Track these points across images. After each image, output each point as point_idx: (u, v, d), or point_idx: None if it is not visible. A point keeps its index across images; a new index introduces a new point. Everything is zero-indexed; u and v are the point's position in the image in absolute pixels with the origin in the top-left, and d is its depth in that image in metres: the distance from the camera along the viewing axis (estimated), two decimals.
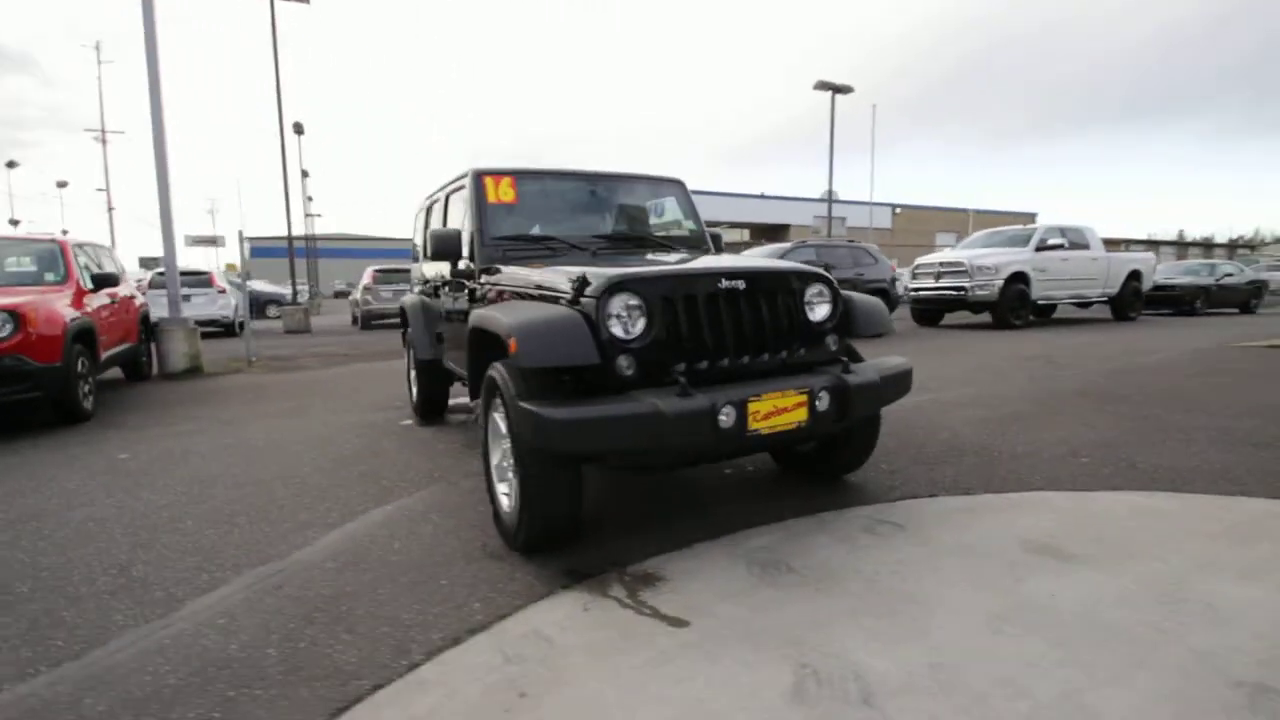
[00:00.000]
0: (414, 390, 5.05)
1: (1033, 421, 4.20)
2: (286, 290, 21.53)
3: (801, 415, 2.34)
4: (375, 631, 1.98)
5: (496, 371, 2.42)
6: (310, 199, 36.60)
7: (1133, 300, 12.81)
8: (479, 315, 2.68)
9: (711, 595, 2.11)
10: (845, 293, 2.79)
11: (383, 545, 2.61)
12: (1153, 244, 45.42)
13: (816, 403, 2.37)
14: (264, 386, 6.91)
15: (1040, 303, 11.75)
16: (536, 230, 3.47)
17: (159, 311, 7.98)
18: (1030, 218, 37.81)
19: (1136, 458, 3.38)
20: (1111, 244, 14.87)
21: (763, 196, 35.35)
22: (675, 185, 4.01)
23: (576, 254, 3.30)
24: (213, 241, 18.81)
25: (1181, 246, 53.54)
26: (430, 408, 4.84)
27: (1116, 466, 3.25)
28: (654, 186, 3.93)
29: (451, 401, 4.98)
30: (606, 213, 3.76)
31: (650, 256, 3.19)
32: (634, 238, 3.66)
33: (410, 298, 4.91)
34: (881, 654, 1.75)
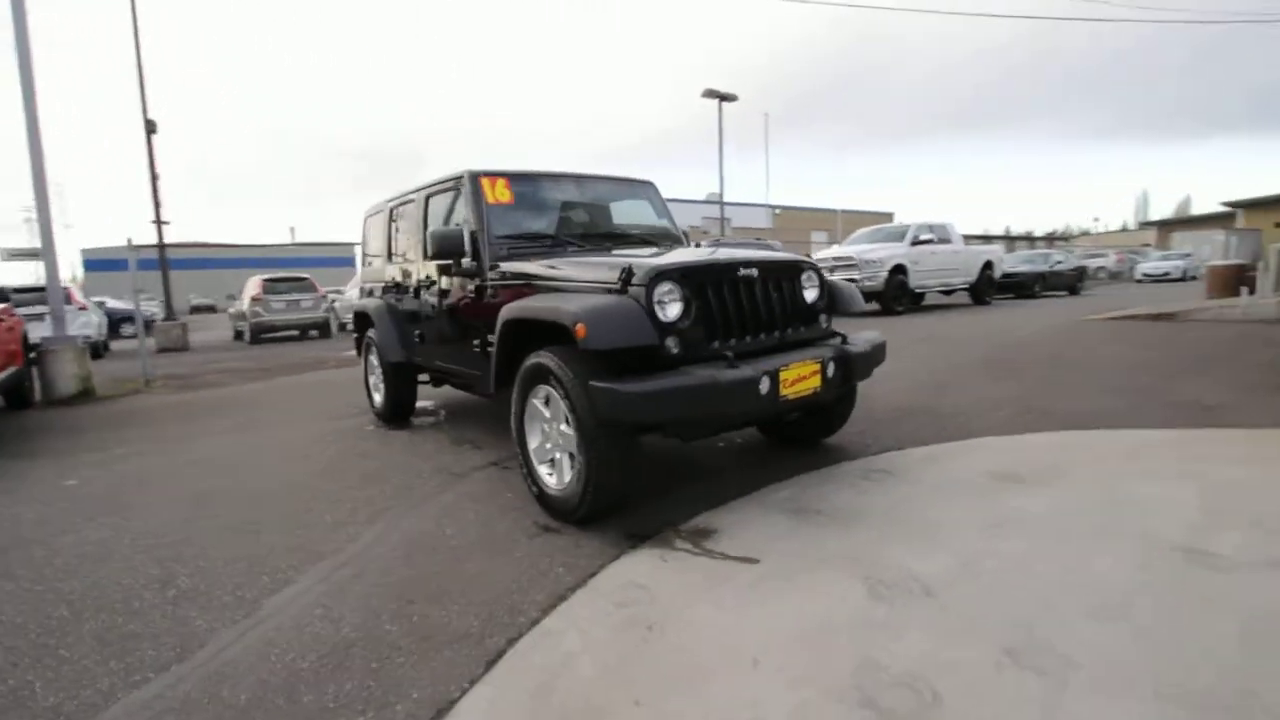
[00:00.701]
0: (378, 395, 4.98)
1: (955, 387, 4.92)
2: (147, 306, 19.38)
3: (816, 382, 2.74)
4: (480, 600, 2.12)
5: (547, 358, 2.60)
6: (160, 204, 32.75)
7: (988, 287, 14.70)
8: (519, 307, 2.84)
9: (764, 538, 2.44)
10: (828, 278, 3.23)
11: (435, 533, 2.70)
12: (987, 238, 51.62)
13: (827, 370, 2.78)
14: (187, 405, 6.38)
15: (916, 291, 13.23)
16: (533, 229, 3.63)
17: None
18: (888, 216, 41.63)
19: (1046, 407, 4.13)
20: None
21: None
22: (648, 186, 4.31)
23: (571, 250, 3.50)
24: (34, 255, 16.47)
25: (1009, 240, 61.13)
26: (399, 411, 4.80)
27: (1033, 415, 3.96)
28: (631, 187, 4.20)
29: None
30: (589, 211, 3.99)
31: (638, 251, 3.46)
32: (618, 234, 3.91)
33: (372, 302, 4.83)
34: (922, 561, 2.16)
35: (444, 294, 3.84)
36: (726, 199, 38.15)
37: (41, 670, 1.88)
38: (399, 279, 4.51)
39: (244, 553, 2.61)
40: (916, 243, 13.17)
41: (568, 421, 2.60)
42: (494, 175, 3.59)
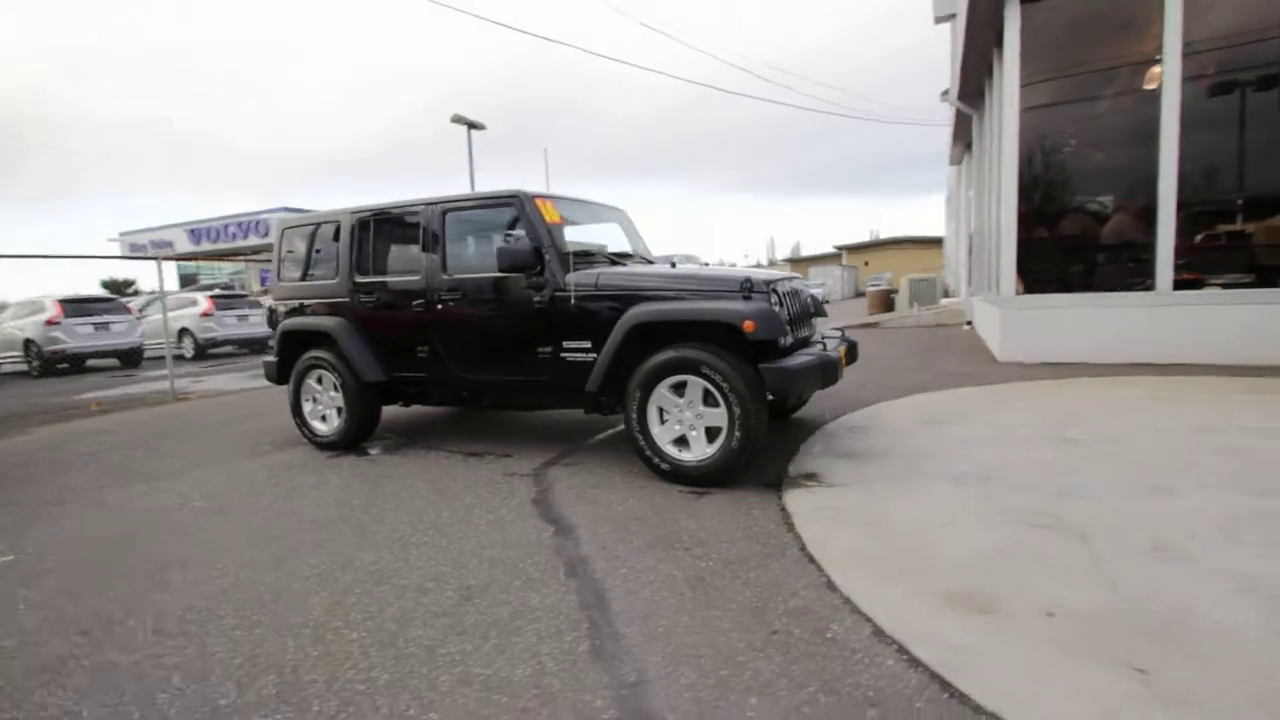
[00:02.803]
0: (326, 422, 4.56)
1: (860, 371, 6.49)
2: None
3: (844, 363, 3.85)
4: (719, 543, 2.68)
5: (696, 351, 3.21)
6: None
7: None
8: (655, 310, 3.36)
9: (847, 474, 3.44)
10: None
11: (623, 520, 3.04)
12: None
13: (847, 354, 3.91)
14: (59, 446, 4.63)
15: None
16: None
17: None
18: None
19: (888, 383, 5.94)
20: None
21: None
22: (621, 212, 4.94)
23: (601, 264, 4.00)
24: None
25: None
26: (362, 435, 4.50)
27: (888, 388, 5.71)
28: (615, 212, 4.80)
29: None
30: (599, 231, 4.50)
31: (646, 266, 4.15)
32: (623, 253, 4.49)
33: (330, 320, 4.42)
34: (955, 467, 3.41)
35: (497, 306, 3.93)
36: None
37: None
38: (385, 295, 4.29)
39: (436, 572, 2.62)
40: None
41: (710, 401, 3.24)
42: (543, 197, 3.90)
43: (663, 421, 3.43)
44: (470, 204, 4.05)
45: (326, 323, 4.44)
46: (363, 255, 4.40)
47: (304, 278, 4.73)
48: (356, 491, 3.59)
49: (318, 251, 4.66)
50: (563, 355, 3.74)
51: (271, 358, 4.90)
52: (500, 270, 3.70)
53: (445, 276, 4.06)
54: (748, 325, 3.14)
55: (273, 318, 4.86)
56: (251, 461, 4.38)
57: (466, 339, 4.04)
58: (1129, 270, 6.20)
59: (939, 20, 9.65)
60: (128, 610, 2.28)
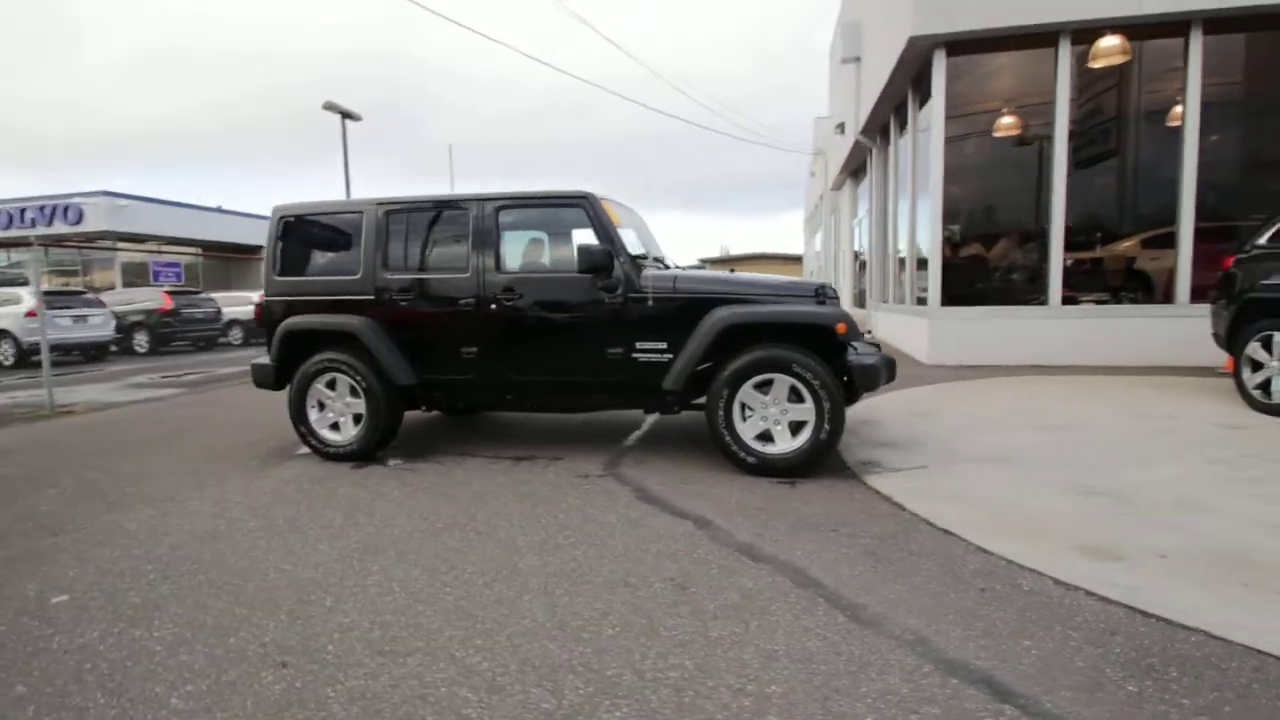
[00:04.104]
0: (339, 430, 4.16)
1: None
2: None
3: None
4: (857, 523, 2.95)
5: (783, 350, 3.45)
6: None
7: None
8: (748, 313, 3.54)
9: (900, 460, 3.86)
10: None
11: (746, 510, 3.18)
12: None
13: None
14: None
15: None
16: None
17: None
18: None
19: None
20: None
21: (221, 211, 30.08)
22: (637, 215, 5.04)
23: (652, 266, 4.12)
24: None
25: None
26: (384, 442, 4.18)
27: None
28: (634, 215, 4.88)
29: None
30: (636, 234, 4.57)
31: (702, 271, 4.38)
32: (641, 255, 4.60)
33: (354, 319, 4.03)
34: (979, 450, 3.96)
35: (564, 306, 3.86)
36: None
37: None
38: (422, 293, 4.02)
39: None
40: None
41: (795, 397, 3.49)
42: (606, 200, 3.92)
43: (744, 418, 3.62)
44: (531, 202, 3.95)
45: (349, 322, 4.05)
46: (392, 250, 4.10)
47: (312, 273, 4.28)
48: (432, 501, 3.36)
49: (332, 245, 4.24)
50: (635, 355, 3.79)
51: (263, 360, 4.36)
52: (580, 271, 3.67)
53: (500, 275, 3.92)
54: (840, 327, 3.45)
55: (268, 316, 4.32)
56: (261, 477, 3.88)
57: (526, 340, 3.93)
58: (1029, 288, 7.44)
59: (845, 61, 10.80)
60: (340, 641, 2.03)
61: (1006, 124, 7.59)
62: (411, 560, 2.63)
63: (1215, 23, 6.49)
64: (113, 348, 12.74)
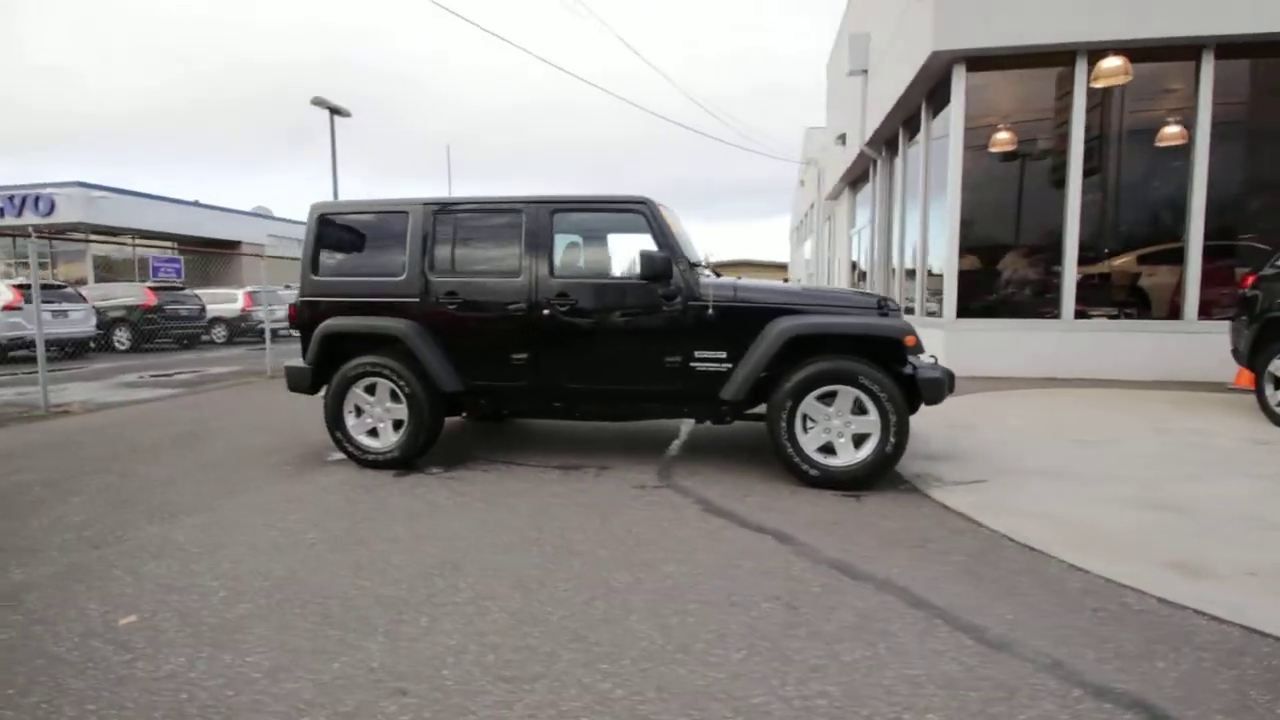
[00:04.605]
0: (377, 437, 4.02)
1: None
2: None
3: None
4: (942, 540, 2.92)
5: (849, 361, 3.42)
6: None
7: None
8: (818, 324, 3.52)
9: (958, 474, 3.85)
10: None
11: (824, 524, 3.12)
12: None
13: None
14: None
15: None
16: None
17: None
18: None
19: None
20: None
21: (198, 205, 29.17)
22: None
23: (699, 271, 4.06)
24: None
25: None
26: (425, 449, 4.04)
27: None
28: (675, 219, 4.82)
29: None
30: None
31: (757, 281, 4.33)
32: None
33: (399, 322, 3.89)
34: (1029, 463, 3.98)
35: (622, 313, 3.79)
36: (286, 217, 34.26)
37: None
38: (472, 296, 3.91)
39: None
40: None
41: (859, 409, 3.46)
42: (662, 205, 3.86)
43: (805, 429, 3.57)
44: (588, 206, 3.86)
45: (394, 325, 3.91)
46: (439, 251, 3.97)
47: (352, 273, 4.12)
48: (494, 512, 3.24)
49: (374, 245, 4.10)
50: (693, 364, 3.72)
51: (298, 363, 4.19)
52: (642, 277, 3.60)
53: (555, 280, 3.82)
54: (909, 340, 3.43)
55: (303, 317, 4.15)
56: (299, 484, 3.71)
57: (580, 346, 3.83)
58: (1041, 301, 7.56)
59: (852, 74, 10.91)
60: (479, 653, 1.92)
61: (1003, 139, 7.71)
62: (497, 576, 2.51)
63: (1226, 48, 6.68)
64: (92, 344, 12.26)
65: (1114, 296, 7.67)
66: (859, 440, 3.53)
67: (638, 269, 3.67)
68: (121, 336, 12.94)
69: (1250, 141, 7.24)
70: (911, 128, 9.47)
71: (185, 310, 14.01)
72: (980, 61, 7.16)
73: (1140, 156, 7.45)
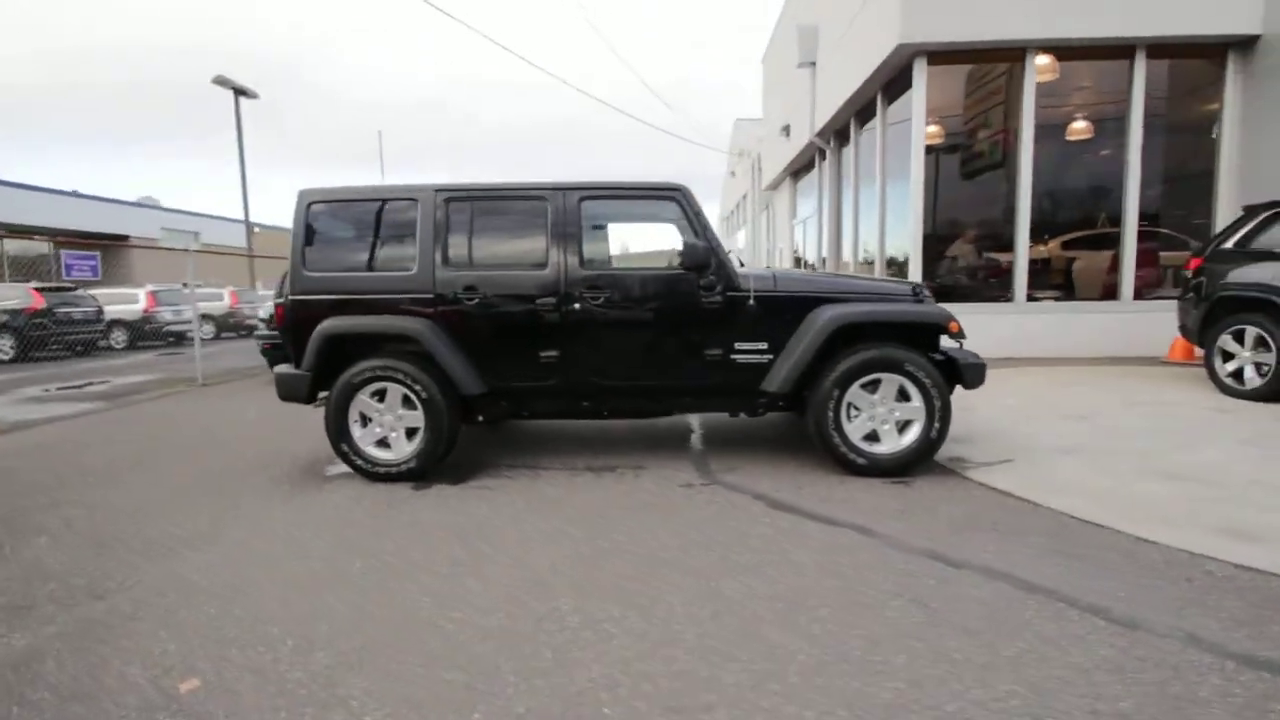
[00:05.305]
0: (387, 447, 3.67)
1: None
2: None
3: None
4: (1009, 521, 2.97)
5: (894, 349, 3.43)
6: None
7: None
8: (857, 311, 3.47)
9: (982, 455, 3.96)
10: None
11: (893, 514, 3.10)
12: None
13: None
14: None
15: None
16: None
17: None
18: None
19: None
20: None
21: (78, 195, 25.95)
22: None
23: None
24: None
25: None
26: (444, 457, 3.73)
27: None
28: None
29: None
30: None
31: (797, 270, 4.28)
32: None
33: (413, 321, 3.53)
34: (1042, 440, 4.15)
35: (659, 305, 3.62)
36: (197, 211, 31.61)
37: None
38: (494, 291, 3.61)
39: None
40: None
41: (903, 396, 3.48)
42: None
43: (850, 419, 3.56)
44: (619, 193, 3.64)
45: (409, 324, 3.56)
46: (454, 243, 3.64)
47: (352, 268, 3.71)
48: (547, 521, 3.01)
49: (377, 236, 3.70)
50: (733, 357, 3.62)
51: (290, 369, 3.74)
52: (684, 267, 3.44)
53: (585, 271, 3.59)
54: (953, 326, 3.46)
55: (293, 318, 3.70)
56: (308, 504, 3.31)
57: (616, 341, 3.63)
58: (994, 286, 7.97)
59: (801, 66, 11.08)
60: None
61: (933, 132, 8.06)
62: (595, 593, 2.32)
63: (1157, 49, 7.26)
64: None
65: (1051, 280, 8.22)
66: (903, 427, 3.55)
67: (676, 259, 3.52)
68: (4, 344, 11.36)
69: (1166, 136, 7.90)
70: (864, 117, 9.75)
71: (80, 313, 12.47)
72: (940, 55, 7.43)
73: (1066, 149, 7.95)
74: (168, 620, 2.20)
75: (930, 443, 3.49)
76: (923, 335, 3.62)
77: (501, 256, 3.70)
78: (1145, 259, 7.82)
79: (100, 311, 13.14)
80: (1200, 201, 7.82)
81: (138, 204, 29.61)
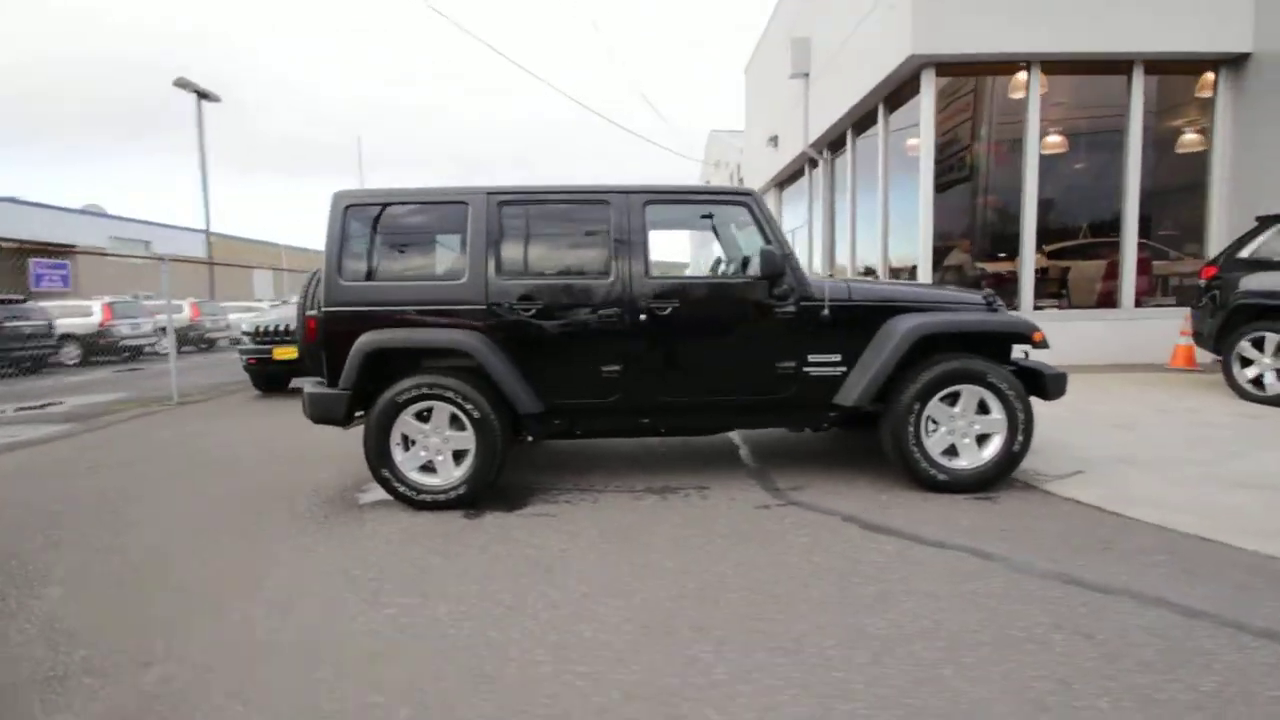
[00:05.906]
0: (436, 473, 3.36)
1: None
2: None
3: None
4: (1109, 539, 2.86)
5: (975, 361, 3.31)
6: None
7: None
8: (946, 321, 3.36)
9: (1051, 468, 3.86)
10: None
11: (995, 534, 2.94)
12: None
13: None
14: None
15: None
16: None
17: None
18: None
19: None
20: None
21: (15, 201, 24.29)
22: None
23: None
24: None
25: None
26: (495, 482, 3.44)
27: None
28: None
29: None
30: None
31: (870, 279, 4.15)
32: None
33: (466, 335, 3.23)
34: (1097, 452, 4.09)
35: (730, 316, 3.45)
36: (150, 220, 30.25)
37: None
38: (553, 301, 3.35)
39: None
40: None
41: (982, 409, 3.35)
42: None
43: (929, 433, 3.41)
44: (685, 198, 3.44)
45: (462, 338, 3.26)
46: (508, 250, 3.37)
47: (392, 277, 3.40)
48: (629, 551, 2.76)
49: (421, 242, 3.41)
50: (807, 369, 3.44)
51: (321, 388, 3.39)
52: (762, 275, 3.25)
53: (651, 280, 3.36)
54: (1037, 336, 3.36)
55: (325, 331, 3.36)
56: (352, 540, 2.98)
57: (684, 355, 3.40)
58: (1005, 293, 8.04)
59: (794, 76, 11.11)
60: None
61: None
62: (734, 639, 2.07)
63: (1154, 65, 7.46)
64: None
65: (1047, 289, 8.35)
66: (982, 440, 3.42)
67: (754, 268, 3.33)
68: None
69: (1157, 150, 8.13)
70: (861, 126, 9.79)
71: (29, 328, 11.58)
72: (948, 67, 7.48)
73: (1048, 161, 8.10)
74: (242, 692, 1.87)
75: (1013, 456, 3.37)
76: (996, 345, 3.51)
77: (559, 264, 3.45)
78: (1139, 268, 8.01)
79: (51, 325, 12.26)
80: (1179, 214, 8.09)
81: (83, 211, 28.01)
